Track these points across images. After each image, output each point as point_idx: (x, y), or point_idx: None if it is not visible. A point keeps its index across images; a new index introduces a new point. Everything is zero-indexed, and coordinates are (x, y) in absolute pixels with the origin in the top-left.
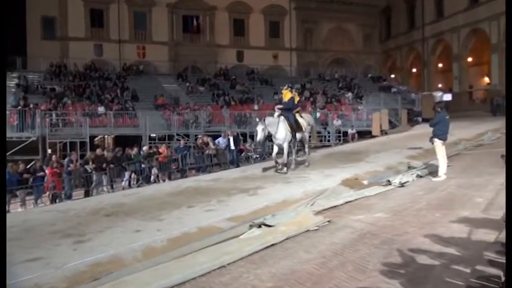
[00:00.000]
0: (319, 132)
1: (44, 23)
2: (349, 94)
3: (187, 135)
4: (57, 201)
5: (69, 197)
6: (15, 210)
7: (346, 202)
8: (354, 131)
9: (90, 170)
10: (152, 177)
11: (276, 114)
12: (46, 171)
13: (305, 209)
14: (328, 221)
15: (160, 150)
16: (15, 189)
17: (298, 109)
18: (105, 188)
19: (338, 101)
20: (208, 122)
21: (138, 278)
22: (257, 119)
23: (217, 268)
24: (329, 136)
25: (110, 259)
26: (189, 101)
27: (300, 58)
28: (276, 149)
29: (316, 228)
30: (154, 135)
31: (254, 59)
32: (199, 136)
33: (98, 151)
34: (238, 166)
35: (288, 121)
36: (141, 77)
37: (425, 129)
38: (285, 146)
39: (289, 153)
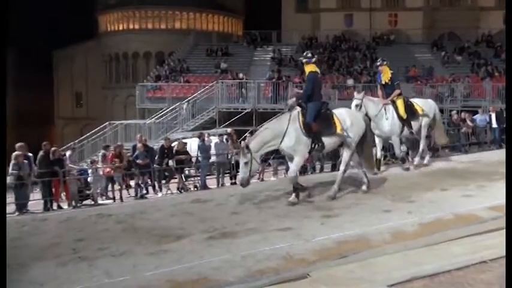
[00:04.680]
0: None
1: None
2: None
3: (441, 111)
4: (305, 173)
5: (320, 169)
6: (268, 178)
7: None
8: None
9: None
10: (401, 155)
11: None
12: None
13: None
14: None
15: None
16: (269, 159)
17: (395, 94)
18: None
19: None
20: (466, 96)
21: (387, 262)
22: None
23: (477, 263)
24: None
25: (357, 238)
26: (445, 72)
27: None
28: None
29: None
30: None
31: None
32: (454, 112)
33: None
34: (501, 147)
35: (303, 118)
36: (392, 47)
37: None
38: (296, 157)
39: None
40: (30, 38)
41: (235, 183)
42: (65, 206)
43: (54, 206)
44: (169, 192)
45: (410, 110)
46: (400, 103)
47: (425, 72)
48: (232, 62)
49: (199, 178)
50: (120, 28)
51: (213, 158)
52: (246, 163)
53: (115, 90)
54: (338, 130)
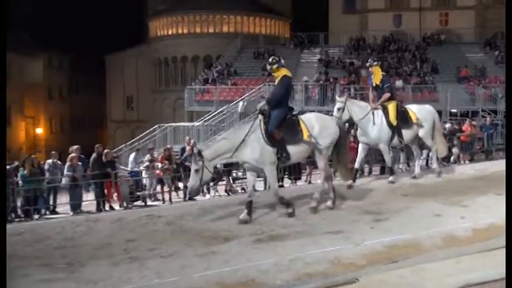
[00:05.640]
0: None
1: None
2: None
3: (495, 112)
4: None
5: (369, 172)
6: (316, 181)
7: None
8: None
9: None
10: (452, 158)
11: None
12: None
13: None
14: None
15: (463, 127)
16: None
17: (385, 98)
18: (401, 165)
19: None
20: None
21: (439, 268)
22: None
23: None
24: None
25: (408, 242)
26: (498, 72)
27: None
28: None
29: None
30: (455, 110)
31: None
32: None
33: None
34: None
35: (266, 126)
36: (443, 47)
37: None
38: (267, 171)
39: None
40: (84, 44)
41: (282, 186)
42: (116, 206)
43: (106, 207)
44: (217, 194)
45: (403, 117)
46: (391, 108)
47: (477, 73)
48: None
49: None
50: (170, 33)
51: None
52: (197, 171)
53: (164, 93)
54: (305, 137)
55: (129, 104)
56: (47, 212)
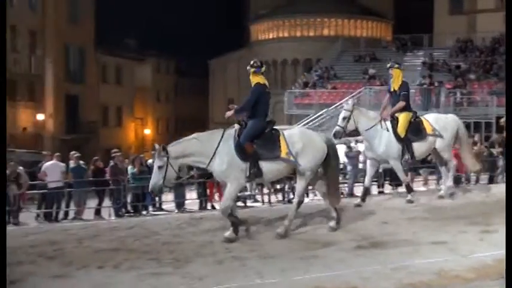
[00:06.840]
0: None
1: None
2: None
3: None
4: (459, 184)
5: (476, 181)
6: (417, 188)
7: None
8: None
9: (496, 154)
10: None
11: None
12: None
13: None
14: None
15: None
16: (419, 168)
17: (398, 107)
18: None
19: None
20: None
21: None
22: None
23: None
24: None
25: None
26: None
27: None
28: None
29: None
30: None
31: None
32: None
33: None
34: None
35: (238, 138)
36: None
37: None
38: (229, 189)
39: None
40: (189, 49)
41: (382, 192)
42: (217, 206)
43: (208, 206)
44: (315, 197)
45: (416, 128)
46: (402, 118)
47: None
48: (380, 68)
49: (346, 185)
50: (270, 37)
51: (360, 166)
52: (160, 167)
53: None
54: (283, 154)
55: None
56: (154, 209)
